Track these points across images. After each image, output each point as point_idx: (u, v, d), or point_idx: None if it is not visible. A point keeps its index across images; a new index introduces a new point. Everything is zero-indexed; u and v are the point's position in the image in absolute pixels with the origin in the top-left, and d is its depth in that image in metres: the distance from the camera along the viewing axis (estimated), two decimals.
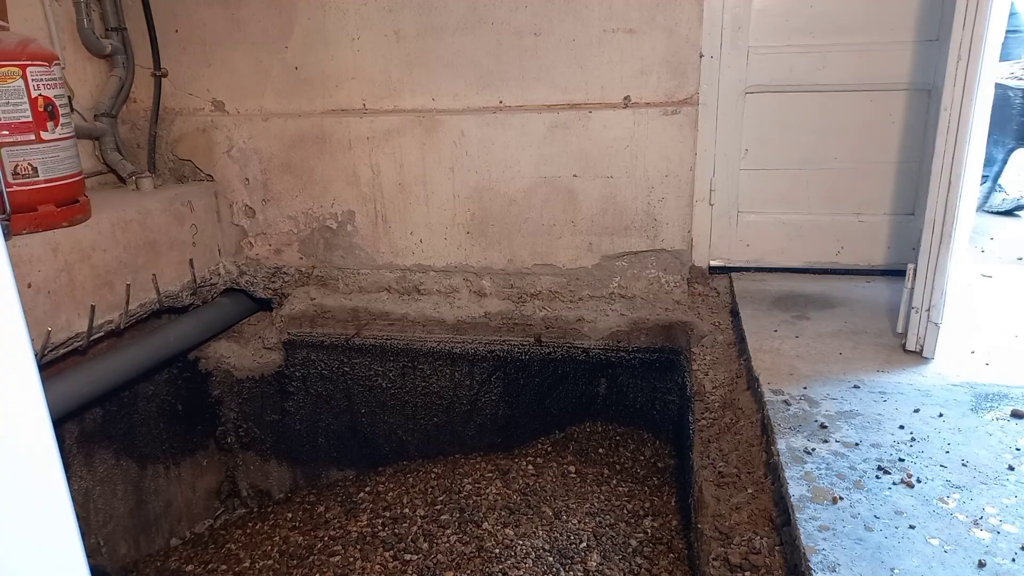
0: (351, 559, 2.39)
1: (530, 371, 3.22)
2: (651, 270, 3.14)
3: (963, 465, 1.77)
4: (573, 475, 2.70)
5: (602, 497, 2.53)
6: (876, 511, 1.62)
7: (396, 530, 2.45)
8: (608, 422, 3.18)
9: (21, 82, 2.37)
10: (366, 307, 3.37)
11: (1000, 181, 4.33)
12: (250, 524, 2.92)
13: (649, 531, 2.37)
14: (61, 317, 2.47)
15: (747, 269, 3.11)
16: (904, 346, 2.36)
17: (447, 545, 2.32)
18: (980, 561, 1.44)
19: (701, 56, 2.86)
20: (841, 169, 2.91)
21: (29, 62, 2.38)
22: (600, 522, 2.37)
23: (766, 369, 2.30)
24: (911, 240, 2.88)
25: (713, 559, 1.84)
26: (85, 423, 2.84)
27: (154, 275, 2.93)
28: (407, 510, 2.57)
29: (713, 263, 3.11)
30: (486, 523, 2.39)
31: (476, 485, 2.67)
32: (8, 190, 2.39)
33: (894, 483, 1.71)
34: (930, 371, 2.24)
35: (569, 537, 2.26)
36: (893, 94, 2.80)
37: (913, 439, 1.89)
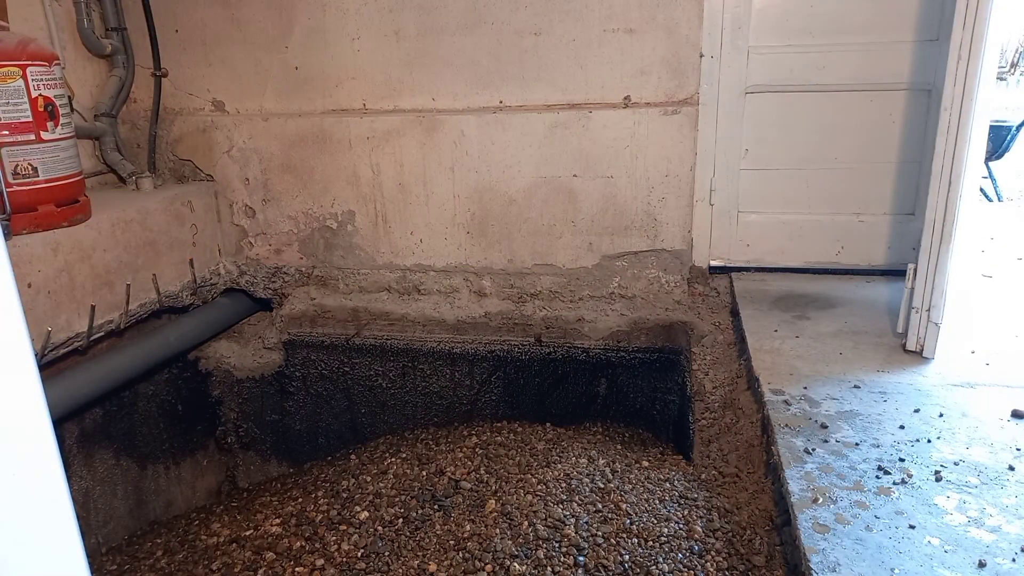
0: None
1: (530, 371, 3.22)
2: (651, 270, 3.13)
3: (963, 465, 1.77)
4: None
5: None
6: (876, 511, 1.62)
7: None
8: (608, 422, 3.18)
9: (21, 82, 2.36)
10: (366, 307, 3.37)
11: None
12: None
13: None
14: (61, 317, 2.47)
15: (747, 269, 3.11)
16: (904, 346, 2.36)
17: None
18: (980, 561, 1.44)
19: (701, 56, 2.86)
20: (841, 169, 2.91)
21: (29, 62, 2.38)
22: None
23: (766, 369, 2.30)
24: (911, 240, 2.88)
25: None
26: (85, 423, 2.84)
27: (154, 275, 2.93)
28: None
29: (713, 263, 3.11)
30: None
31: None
32: (8, 190, 2.39)
33: (894, 483, 1.71)
34: (930, 371, 2.24)
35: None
36: (893, 94, 2.79)
37: (913, 439, 1.89)
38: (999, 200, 6.26)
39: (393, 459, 2.67)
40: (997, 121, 6.10)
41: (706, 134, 2.94)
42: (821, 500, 1.66)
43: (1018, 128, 6.07)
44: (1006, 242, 3.60)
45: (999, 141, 6.01)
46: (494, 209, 3.18)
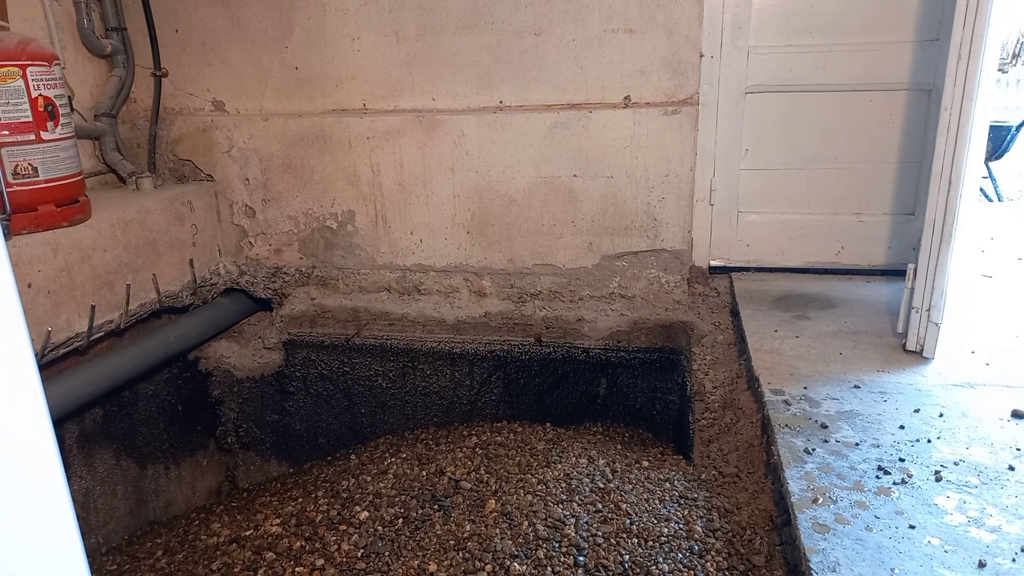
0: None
1: (530, 371, 3.22)
2: (651, 270, 3.13)
3: (963, 465, 1.77)
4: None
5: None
6: (876, 511, 1.62)
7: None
8: (608, 422, 3.18)
9: (21, 82, 2.36)
10: (366, 307, 3.37)
11: None
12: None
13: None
14: (61, 317, 2.47)
15: (747, 269, 3.11)
16: (904, 346, 2.36)
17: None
18: (980, 561, 1.44)
19: (701, 56, 2.86)
20: (841, 169, 2.91)
21: (29, 62, 2.38)
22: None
23: (766, 369, 2.30)
24: (911, 240, 2.88)
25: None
26: (85, 423, 2.84)
27: (154, 275, 2.93)
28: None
29: (713, 263, 3.11)
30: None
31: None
32: (8, 190, 2.39)
33: (894, 483, 1.71)
34: (930, 371, 2.24)
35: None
36: (893, 94, 2.80)
37: (913, 439, 1.89)
38: (999, 200, 6.26)
39: (393, 459, 2.67)
40: (997, 121, 6.09)
41: (706, 134, 2.94)
42: (821, 500, 1.66)
43: (1018, 128, 6.07)
44: (1006, 242, 3.60)
45: (999, 141, 6.01)
46: (494, 209, 3.18)
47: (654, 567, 1.78)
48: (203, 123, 3.31)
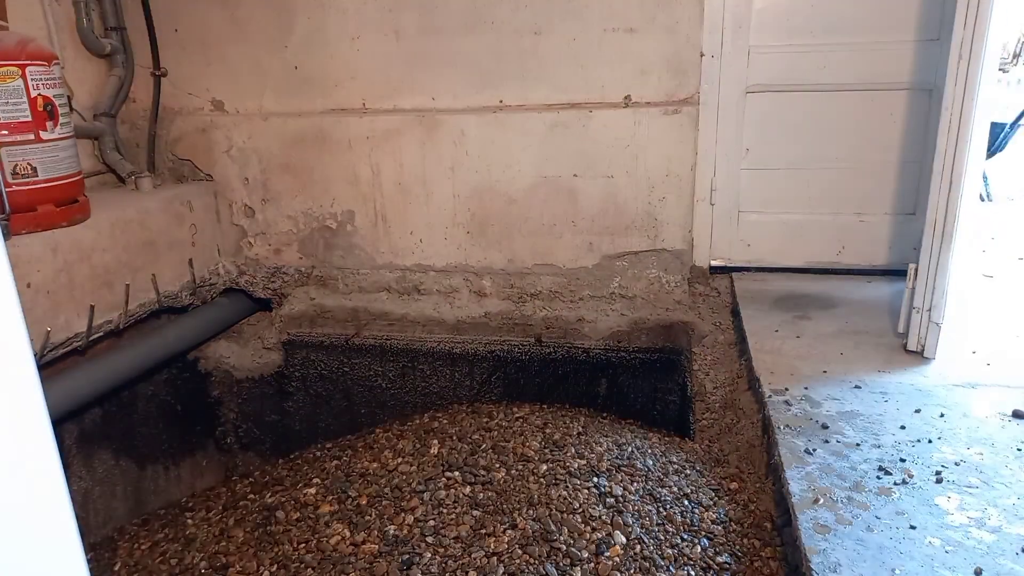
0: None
1: (530, 371, 3.21)
2: (652, 270, 3.13)
3: (964, 465, 1.77)
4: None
5: None
6: (877, 512, 1.62)
7: None
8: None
9: (20, 82, 2.36)
10: (366, 307, 3.36)
11: None
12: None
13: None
14: (60, 317, 2.47)
15: (748, 269, 3.11)
16: (905, 346, 2.36)
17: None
18: (982, 561, 1.44)
19: (702, 55, 2.86)
20: (842, 169, 2.91)
21: (28, 62, 2.38)
22: None
23: (767, 369, 2.30)
24: (912, 240, 2.88)
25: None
26: (85, 423, 2.84)
27: (153, 275, 2.92)
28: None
29: (714, 263, 3.11)
30: None
31: None
32: (7, 190, 2.38)
33: (895, 483, 1.71)
34: (931, 371, 2.24)
35: None
36: (894, 94, 2.79)
37: (914, 440, 1.89)
38: (989, 200, 6.23)
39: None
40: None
41: (707, 134, 2.93)
42: (822, 500, 1.66)
43: (1012, 126, 6.05)
44: (1007, 242, 3.60)
45: (992, 139, 5.99)
46: (494, 209, 3.17)
47: (656, 568, 1.77)
48: (202, 123, 3.31)
